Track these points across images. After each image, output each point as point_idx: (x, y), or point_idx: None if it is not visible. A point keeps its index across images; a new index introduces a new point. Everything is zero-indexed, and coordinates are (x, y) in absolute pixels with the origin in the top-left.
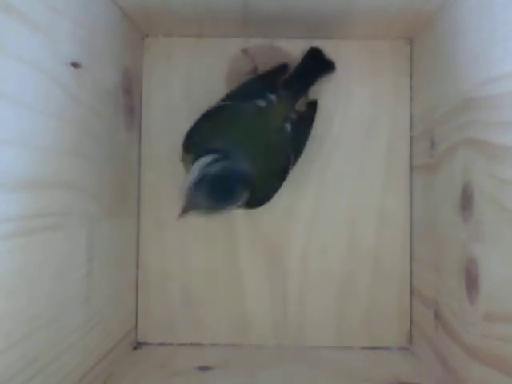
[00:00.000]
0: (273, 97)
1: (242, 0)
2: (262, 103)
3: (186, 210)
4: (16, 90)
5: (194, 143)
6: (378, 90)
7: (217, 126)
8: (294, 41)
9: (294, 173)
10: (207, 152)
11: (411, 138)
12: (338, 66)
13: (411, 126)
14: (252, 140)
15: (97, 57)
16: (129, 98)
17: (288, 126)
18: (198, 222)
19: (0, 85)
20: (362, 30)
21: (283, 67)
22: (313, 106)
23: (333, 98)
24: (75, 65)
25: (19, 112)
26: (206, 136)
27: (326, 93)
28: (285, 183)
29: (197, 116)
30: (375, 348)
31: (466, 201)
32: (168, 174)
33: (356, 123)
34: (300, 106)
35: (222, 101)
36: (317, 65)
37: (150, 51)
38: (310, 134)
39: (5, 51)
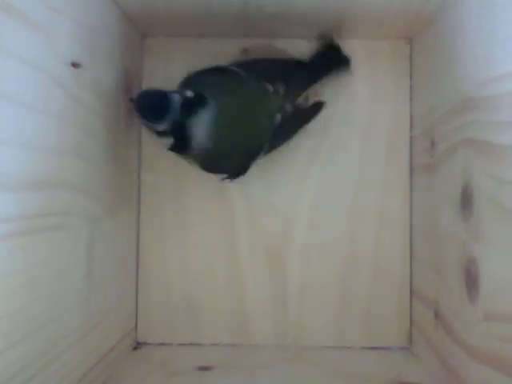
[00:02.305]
0: (269, 86)
1: (242, 0)
2: (268, 87)
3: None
4: (16, 90)
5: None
6: (378, 90)
7: (212, 80)
8: (293, 41)
9: (294, 173)
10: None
11: (411, 138)
12: None
13: (411, 126)
14: (234, 107)
15: (97, 57)
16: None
17: (278, 117)
18: (199, 222)
19: (0, 85)
20: (362, 30)
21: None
22: (317, 107)
23: (333, 97)
24: (75, 65)
25: (19, 112)
26: (196, 83)
27: (326, 93)
28: (285, 183)
29: None
30: (375, 348)
31: (466, 201)
32: (168, 174)
33: (356, 123)
34: (302, 99)
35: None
36: (328, 62)
37: (150, 51)
38: (297, 131)
39: (5, 51)
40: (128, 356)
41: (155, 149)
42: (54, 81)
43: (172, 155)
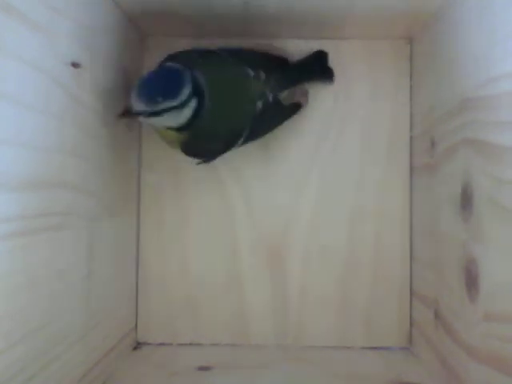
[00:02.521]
0: (250, 71)
1: (242, 0)
2: (249, 72)
3: (125, 113)
4: (16, 90)
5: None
6: (378, 89)
7: (200, 61)
8: (293, 41)
9: (295, 173)
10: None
11: (411, 137)
12: (338, 65)
13: (411, 126)
14: (221, 91)
15: (97, 57)
16: (129, 97)
17: (260, 104)
18: (199, 222)
19: (0, 85)
20: (362, 30)
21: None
22: (294, 108)
23: (333, 97)
24: (75, 65)
25: (19, 112)
26: (186, 61)
27: (326, 92)
28: (285, 183)
29: None
30: (375, 348)
31: (466, 201)
32: (168, 173)
33: (356, 123)
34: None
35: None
36: (315, 68)
37: (150, 51)
38: (277, 126)
39: (5, 51)
40: (128, 356)
41: (155, 149)
42: (54, 81)
43: (171, 154)
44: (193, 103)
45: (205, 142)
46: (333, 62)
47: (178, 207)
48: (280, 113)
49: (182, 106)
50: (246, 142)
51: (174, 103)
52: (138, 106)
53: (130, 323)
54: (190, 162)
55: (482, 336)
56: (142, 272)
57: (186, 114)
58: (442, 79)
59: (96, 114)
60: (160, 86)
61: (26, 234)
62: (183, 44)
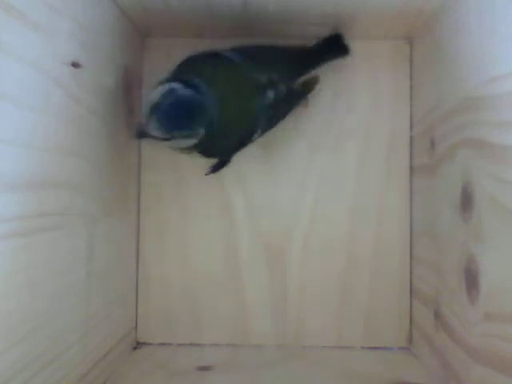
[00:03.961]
0: (263, 77)
1: (242, 0)
2: (260, 77)
3: (141, 136)
4: (16, 90)
5: (177, 72)
6: (378, 90)
7: (201, 67)
8: (293, 41)
9: (295, 172)
10: (177, 80)
11: (411, 137)
12: (338, 65)
13: (411, 126)
14: (228, 90)
15: (97, 57)
16: (129, 97)
17: (271, 97)
18: (198, 221)
19: (0, 85)
20: (362, 30)
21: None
22: (305, 90)
23: (333, 97)
24: (75, 65)
25: (19, 112)
26: (189, 69)
27: (326, 92)
28: (285, 183)
29: None
30: (375, 348)
31: (466, 201)
32: (168, 173)
33: (356, 123)
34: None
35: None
36: (330, 51)
37: (150, 51)
38: (291, 109)
39: (5, 51)
40: (128, 356)
41: (155, 148)
42: (54, 81)
43: (171, 154)
44: (201, 131)
45: (218, 146)
46: (333, 61)
47: (178, 207)
48: (292, 99)
49: (192, 135)
50: (262, 133)
51: (185, 133)
52: (154, 132)
53: (130, 323)
54: (189, 162)
55: (482, 336)
56: (141, 272)
57: (194, 140)
58: (442, 79)
59: (96, 113)
60: (175, 116)
61: (25, 234)
62: (183, 44)
